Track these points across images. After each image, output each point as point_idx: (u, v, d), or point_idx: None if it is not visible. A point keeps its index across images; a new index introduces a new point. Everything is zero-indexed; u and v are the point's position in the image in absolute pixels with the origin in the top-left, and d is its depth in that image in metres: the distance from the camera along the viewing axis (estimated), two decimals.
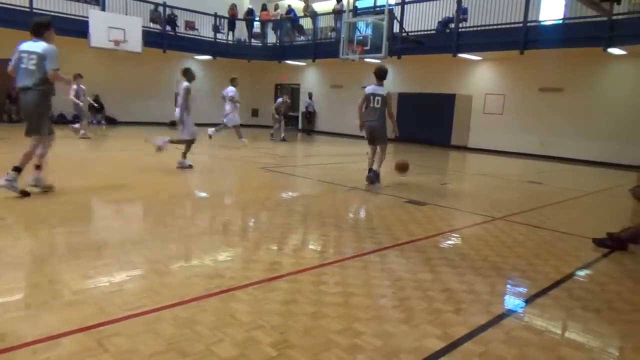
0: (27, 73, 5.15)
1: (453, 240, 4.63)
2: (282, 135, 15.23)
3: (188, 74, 8.36)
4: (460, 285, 3.29)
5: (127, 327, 2.42)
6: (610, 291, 3.41)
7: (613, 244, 4.43)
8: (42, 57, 5.14)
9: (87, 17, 15.09)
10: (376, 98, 7.29)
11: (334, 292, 3.02)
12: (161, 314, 2.59)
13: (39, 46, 5.20)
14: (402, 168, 7.94)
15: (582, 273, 3.84)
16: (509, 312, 2.93)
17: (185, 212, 5.28)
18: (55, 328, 2.35)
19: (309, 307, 2.79)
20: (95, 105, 15.82)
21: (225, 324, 2.51)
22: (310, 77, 20.79)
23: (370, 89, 7.41)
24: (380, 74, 7.36)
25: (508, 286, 3.47)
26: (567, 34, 12.15)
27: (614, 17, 10.49)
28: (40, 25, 5.33)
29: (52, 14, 14.91)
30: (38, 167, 5.40)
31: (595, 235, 4.65)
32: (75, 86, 12.60)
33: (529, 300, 3.16)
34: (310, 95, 20.11)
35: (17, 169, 5.09)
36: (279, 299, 2.88)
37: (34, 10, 14.41)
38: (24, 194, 5.15)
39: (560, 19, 13.12)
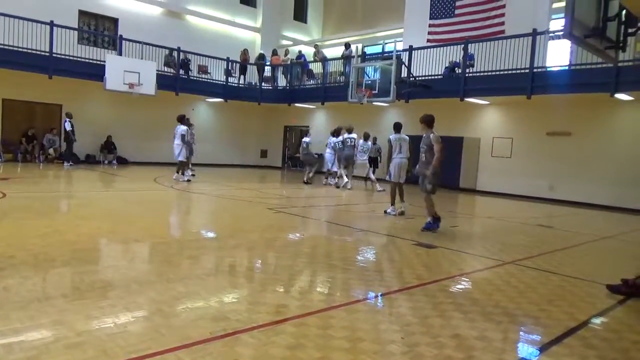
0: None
1: (463, 285, 4.54)
2: (305, 178, 14.78)
3: None
4: (471, 332, 3.20)
5: None
6: (627, 340, 3.30)
7: (628, 290, 4.32)
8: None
9: (104, 62, 15.61)
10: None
11: (341, 337, 2.95)
12: (165, 357, 2.54)
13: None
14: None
15: (597, 321, 3.73)
16: None
17: (192, 252, 5.26)
18: None
19: (316, 352, 2.72)
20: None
21: None
22: (319, 120, 21.11)
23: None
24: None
25: (521, 333, 3.37)
26: (574, 80, 12.30)
27: (620, 64, 10.64)
28: (336, 132, 12.45)
29: (71, 58, 15.50)
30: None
31: (609, 281, 4.54)
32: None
33: (543, 349, 3.06)
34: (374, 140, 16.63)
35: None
36: (285, 343, 2.82)
37: (54, 55, 14.95)
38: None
39: (566, 66, 13.32)
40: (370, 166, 17.56)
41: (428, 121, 7.39)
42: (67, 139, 15.70)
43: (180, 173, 12.77)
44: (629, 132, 12.71)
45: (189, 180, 12.67)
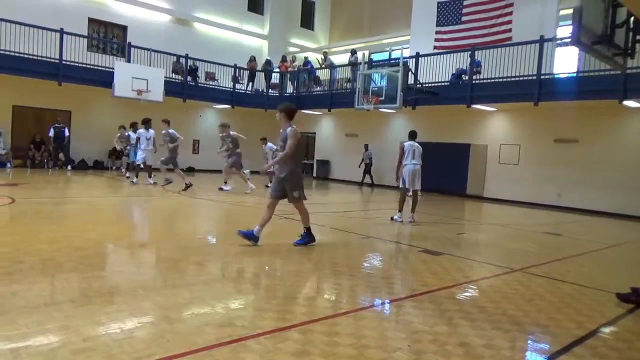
0: None
1: (470, 292, 4.51)
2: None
3: None
4: (479, 340, 3.18)
5: None
6: (637, 349, 3.26)
7: (637, 299, 4.26)
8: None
9: (113, 68, 15.75)
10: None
11: (347, 344, 2.94)
12: None
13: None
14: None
15: (606, 330, 3.69)
16: None
17: (198, 258, 5.27)
18: None
19: (322, 359, 2.71)
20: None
21: None
22: (326, 126, 21.15)
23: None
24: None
25: (529, 342, 3.34)
26: (582, 87, 12.23)
27: (628, 71, 10.58)
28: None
29: (80, 65, 15.66)
30: None
31: (618, 289, 4.49)
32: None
33: (551, 358, 3.03)
34: (366, 147, 18.34)
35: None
36: (291, 350, 2.81)
37: (64, 62, 15.11)
38: None
39: (574, 72, 13.25)
40: (365, 172, 17.97)
41: (290, 111, 6.10)
42: (56, 145, 16.03)
43: (139, 175, 13.39)
44: (638, 139, 12.61)
45: (155, 183, 13.07)
